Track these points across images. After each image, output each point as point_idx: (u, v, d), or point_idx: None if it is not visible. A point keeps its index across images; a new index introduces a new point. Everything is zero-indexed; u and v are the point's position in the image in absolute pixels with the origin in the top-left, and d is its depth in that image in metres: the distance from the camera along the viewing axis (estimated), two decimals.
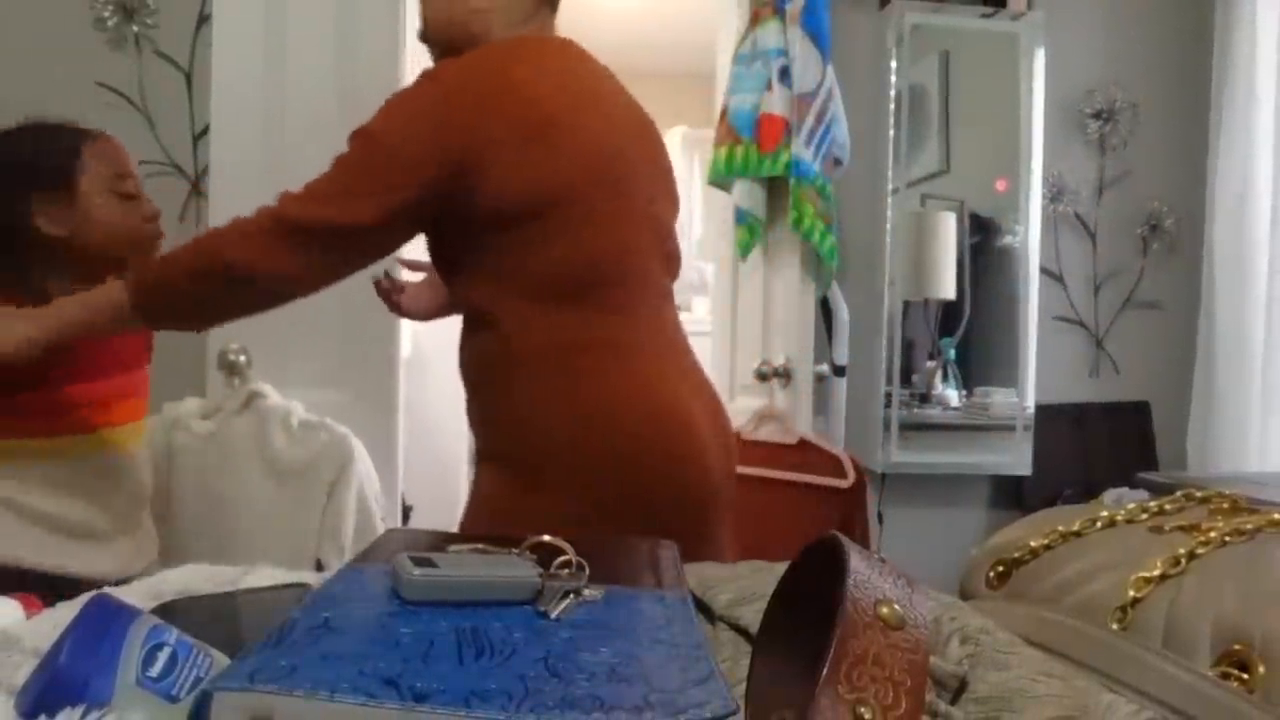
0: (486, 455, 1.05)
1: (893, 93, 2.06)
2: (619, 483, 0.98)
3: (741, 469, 1.19)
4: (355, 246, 0.97)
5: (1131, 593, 0.62)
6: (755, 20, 1.91)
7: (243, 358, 1.57)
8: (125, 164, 1.15)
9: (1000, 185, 2.19)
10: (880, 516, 2.08)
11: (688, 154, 3.80)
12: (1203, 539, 0.64)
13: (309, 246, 0.94)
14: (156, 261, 0.98)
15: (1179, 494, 0.76)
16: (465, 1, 1.05)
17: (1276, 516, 0.66)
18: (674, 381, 1.05)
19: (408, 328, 2.23)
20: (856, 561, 0.40)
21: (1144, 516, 0.73)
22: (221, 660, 0.45)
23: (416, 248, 1.10)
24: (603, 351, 1.00)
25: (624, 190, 1.02)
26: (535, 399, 0.99)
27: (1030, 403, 2.12)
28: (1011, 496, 2.17)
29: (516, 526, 0.84)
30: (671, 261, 1.12)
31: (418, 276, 1.31)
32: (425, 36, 1.10)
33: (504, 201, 0.96)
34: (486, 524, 1.00)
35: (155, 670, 0.43)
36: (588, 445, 0.98)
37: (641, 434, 0.99)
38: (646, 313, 1.05)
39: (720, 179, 1.93)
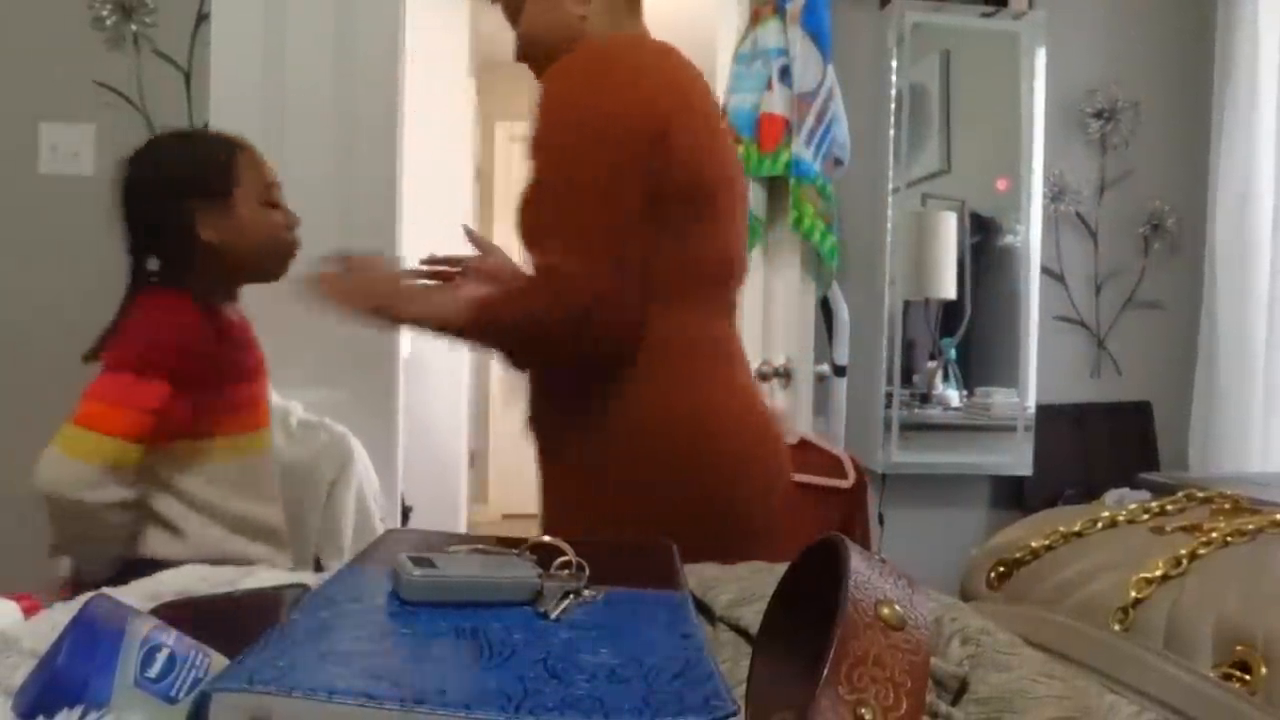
0: (581, 455, 1.02)
1: (893, 92, 2.06)
2: (716, 484, 1.00)
3: None
4: (627, 283, 0.96)
5: (1133, 593, 0.62)
6: (755, 19, 1.90)
7: None
8: (270, 174, 1.19)
9: (1001, 185, 2.18)
10: (881, 517, 2.07)
11: None
12: (1204, 539, 0.64)
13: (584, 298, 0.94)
14: (500, 295, 0.98)
15: (1180, 494, 0.76)
16: (565, 9, 1.05)
17: (1278, 517, 0.66)
18: (752, 385, 1.08)
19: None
20: (857, 562, 0.40)
21: (1145, 517, 0.73)
22: (220, 661, 0.45)
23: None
24: (701, 353, 1.02)
25: (734, 194, 1.06)
26: (647, 397, 0.99)
27: (1031, 403, 2.12)
28: (1012, 497, 2.17)
29: (613, 526, 0.88)
30: (744, 271, 1.14)
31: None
32: (524, 53, 1.09)
33: (663, 189, 0.96)
34: (586, 523, 0.97)
35: (154, 671, 0.42)
36: (692, 446, 0.99)
37: (741, 435, 1.02)
38: (731, 317, 1.08)
39: None
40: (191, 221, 1.12)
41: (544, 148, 0.97)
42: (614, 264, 0.93)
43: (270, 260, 1.19)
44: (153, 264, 1.16)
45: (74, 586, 1.14)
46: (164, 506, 1.11)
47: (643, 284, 0.96)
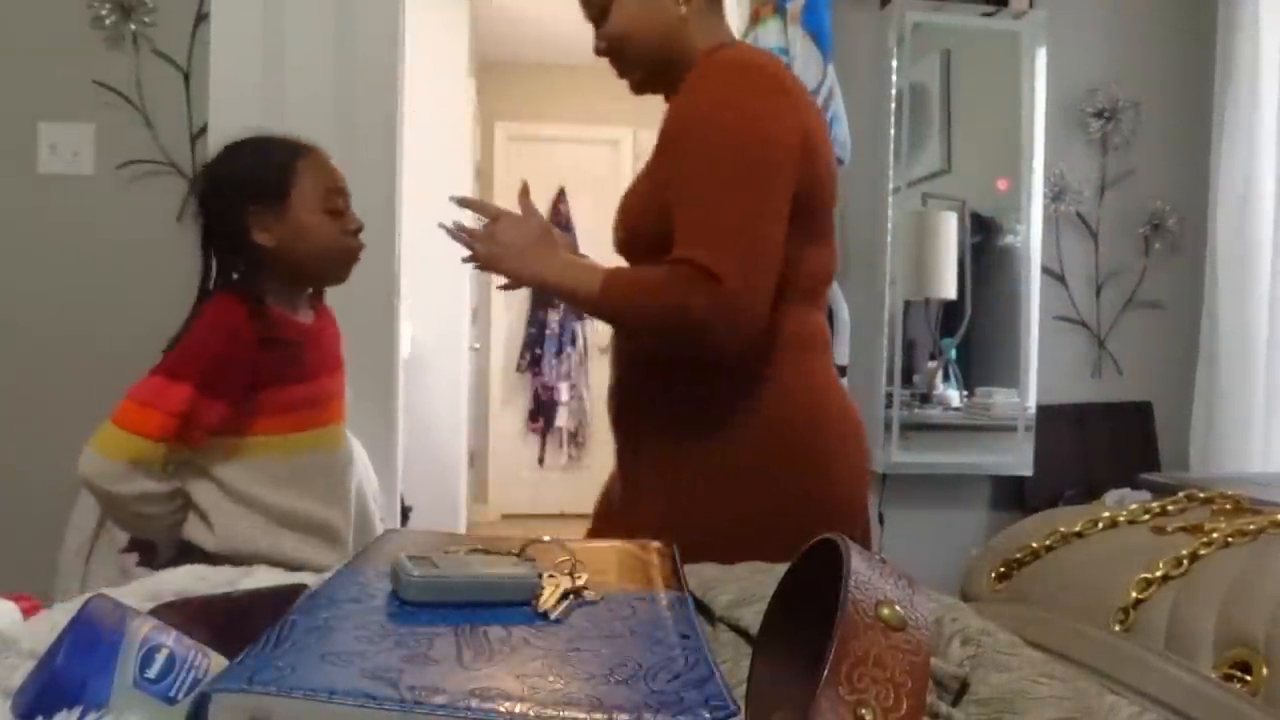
0: (705, 449, 1.03)
1: (894, 92, 2.06)
2: (835, 471, 1.06)
3: None
4: (761, 288, 0.98)
5: (1133, 594, 0.62)
6: (755, 19, 1.90)
7: None
8: (335, 180, 1.20)
9: (1001, 184, 2.18)
10: (881, 517, 2.07)
11: None
12: (1205, 540, 0.64)
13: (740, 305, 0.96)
14: (629, 274, 1.02)
15: (1181, 495, 0.76)
16: (668, 11, 1.07)
17: (1279, 517, 0.66)
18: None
19: (407, 328, 2.23)
20: (857, 562, 0.40)
21: (1146, 517, 0.73)
22: (219, 662, 0.45)
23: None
24: (811, 346, 1.08)
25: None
26: (776, 389, 1.03)
27: (1032, 403, 2.12)
28: (1013, 497, 2.17)
29: (745, 517, 0.97)
30: None
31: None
32: (613, 49, 1.10)
33: (810, 197, 1.00)
34: (712, 515, 0.99)
35: (153, 672, 0.42)
36: (813, 436, 1.05)
37: (845, 422, 1.10)
38: (825, 309, 1.14)
39: None
40: (245, 223, 1.14)
41: (695, 149, 0.98)
42: (754, 268, 0.95)
43: (328, 265, 1.21)
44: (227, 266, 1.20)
45: (133, 546, 1.23)
46: (201, 496, 1.16)
47: (775, 289, 0.98)
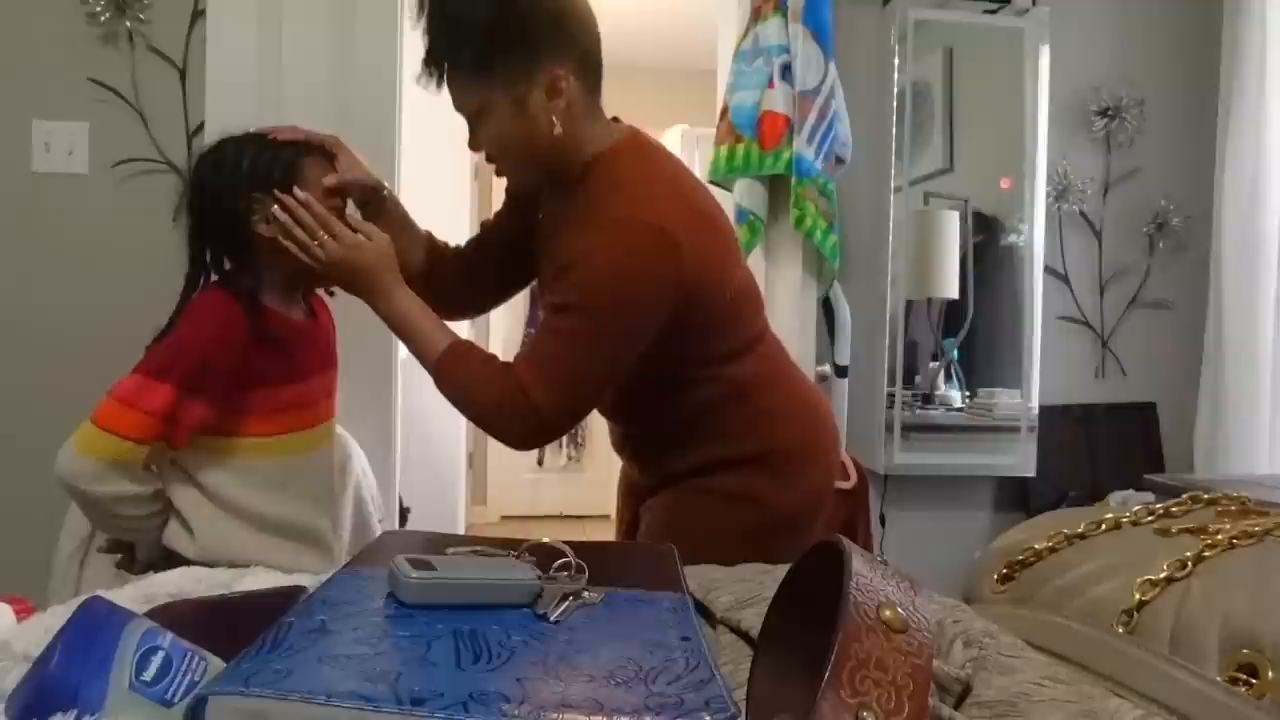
0: (730, 462, 1.13)
1: (896, 90, 2.05)
2: (831, 461, 1.22)
3: None
4: (565, 426, 1.10)
5: (1138, 596, 0.62)
6: (757, 16, 1.90)
7: None
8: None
9: (1004, 183, 2.17)
10: (883, 518, 2.07)
11: (688, 152, 3.77)
12: (1210, 542, 0.64)
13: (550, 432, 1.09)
14: (470, 350, 1.10)
15: (1186, 496, 0.76)
16: (541, 130, 1.06)
17: None
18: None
19: None
20: (859, 564, 0.39)
21: (1150, 519, 0.73)
22: (216, 664, 0.45)
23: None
24: (778, 362, 1.20)
25: (738, 263, 1.19)
26: (774, 406, 1.15)
27: (1035, 403, 2.11)
28: (1016, 498, 2.16)
29: (774, 512, 1.12)
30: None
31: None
32: (494, 158, 1.11)
33: (720, 293, 1.09)
34: (748, 517, 1.12)
35: (149, 675, 0.42)
36: (804, 433, 1.18)
37: (821, 412, 1.23)
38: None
39: (721, 177, 1.92)
40: (248, 212, 1.12)
41: (572, 286, 1.04)
42: (571, 409, 1.06)
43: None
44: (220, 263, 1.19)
45: (112, 547, 1.22)
46: (182, 501, 1.13)
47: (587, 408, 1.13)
